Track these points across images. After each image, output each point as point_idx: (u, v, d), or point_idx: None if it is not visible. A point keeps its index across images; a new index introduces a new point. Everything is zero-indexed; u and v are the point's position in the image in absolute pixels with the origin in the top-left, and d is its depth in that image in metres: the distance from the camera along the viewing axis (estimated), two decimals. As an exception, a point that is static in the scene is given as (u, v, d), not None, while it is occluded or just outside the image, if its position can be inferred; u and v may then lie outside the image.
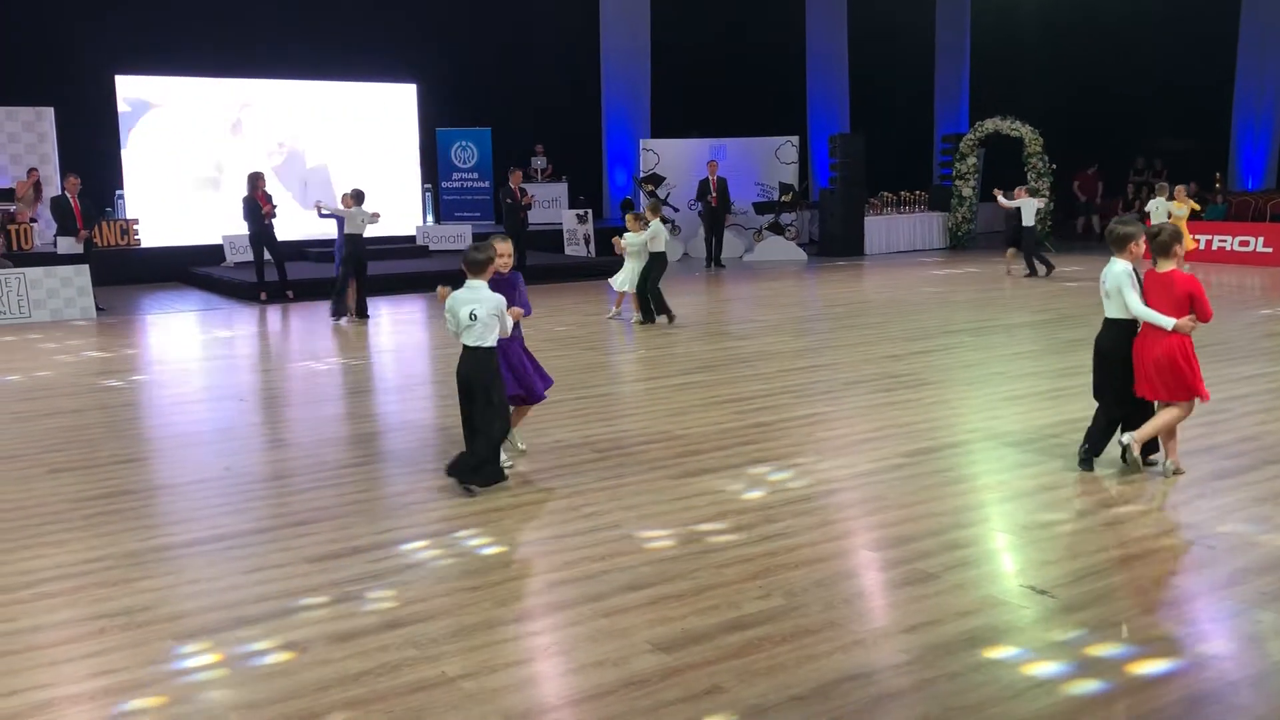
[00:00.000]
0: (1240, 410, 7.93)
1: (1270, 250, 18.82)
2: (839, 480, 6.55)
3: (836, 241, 21.69)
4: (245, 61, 20.05)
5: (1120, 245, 6.40)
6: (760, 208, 21.63)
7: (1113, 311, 6.46)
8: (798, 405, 8.59)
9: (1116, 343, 6.44)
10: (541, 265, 18.13)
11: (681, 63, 24.33)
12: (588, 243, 20.25)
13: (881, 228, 22.56)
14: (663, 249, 13.27)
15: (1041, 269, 17.35)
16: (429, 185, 22.41)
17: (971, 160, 22.95)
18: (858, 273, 18.97)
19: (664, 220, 20.98)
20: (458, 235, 20.45)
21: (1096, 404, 6.73)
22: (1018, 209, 17.34)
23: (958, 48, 28.87)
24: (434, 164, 22.33)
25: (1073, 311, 13.56)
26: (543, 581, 5.05)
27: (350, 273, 13.63)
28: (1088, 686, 3.97)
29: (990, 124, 22.40)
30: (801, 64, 26.92)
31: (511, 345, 6.71)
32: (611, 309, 13.80)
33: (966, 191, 23.01)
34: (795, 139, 22.54)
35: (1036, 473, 6.67)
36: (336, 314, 13.76)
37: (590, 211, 20.93)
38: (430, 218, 22.33)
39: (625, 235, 13.25)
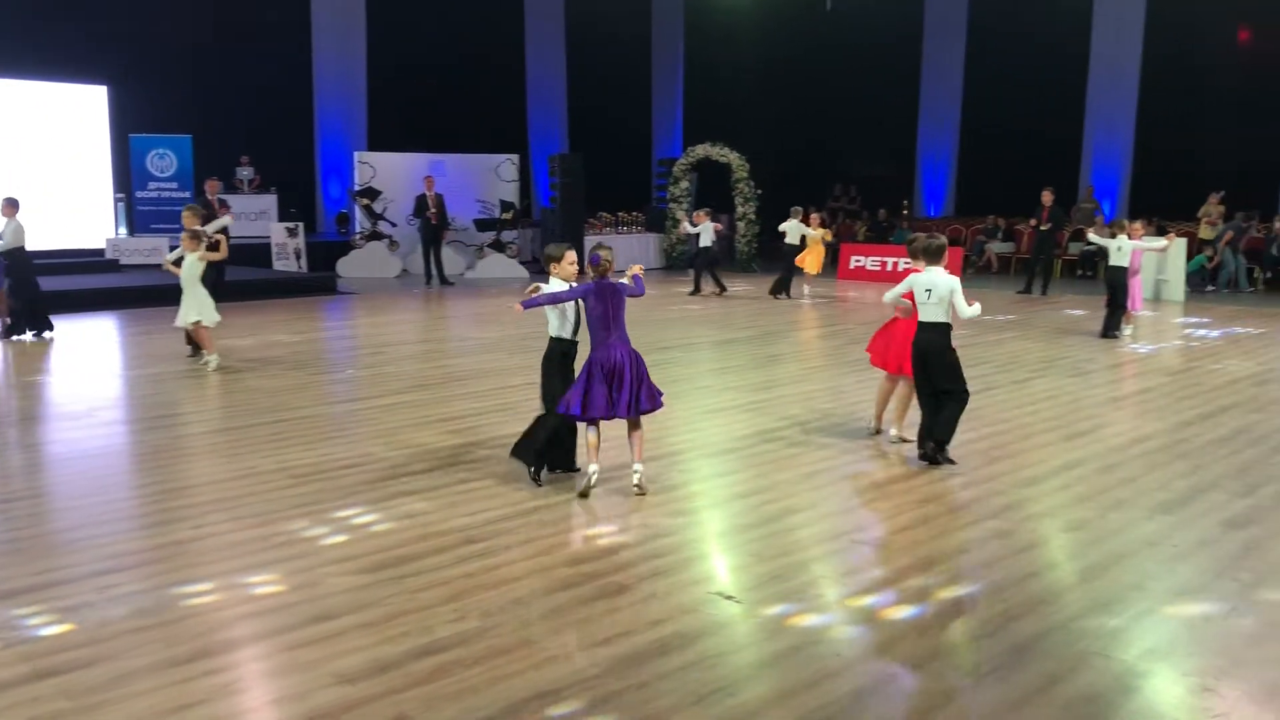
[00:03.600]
0: (912, 419, 8.58)
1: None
2: (542, 496, 6.55)
3: (557, 260, 21.88)
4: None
5: (938, 256, 7.15)
6: (481, 225, 21.55)
7: (938, 316, 7.10)
8: (510, 423, 8.53)
9: (940, 342, 7.09)
10: (248, 281, 17.22)
11: (400, 76, 23.92)
12: (299, 257, 19.47)
13: (601, 247, 22.96)
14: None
15: (715, 288, 18.17)
16: (122, 195, 20.83)
17: (684, 184, 23.82)
18: (577, 291, 19.20)
19: (385, 236, 20.54)
20: (153, 249, 19.10)
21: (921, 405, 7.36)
22: (698, 232, 18.15)
23: (672, 76, 29.99)
24: (127, 172, 20.77)
25: (775, 328, 14.31)
26: (222, 618, 4.73)
27: (15, 288, 12.54)
28: (769, 686, 4.14)
29: (701, 149, 23.33)
30: (522, 83, 27.12)
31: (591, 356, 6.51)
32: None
33: (680, 214, 23.85)
34: (515, 157, 22.63)
35: (732, 481, 6.96)
36: (37, 329, 12.77)
37: (301, 225, 20.14)
38: (123, 229, 20.75)
39: (183, 256, 11.32)
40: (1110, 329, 13.04)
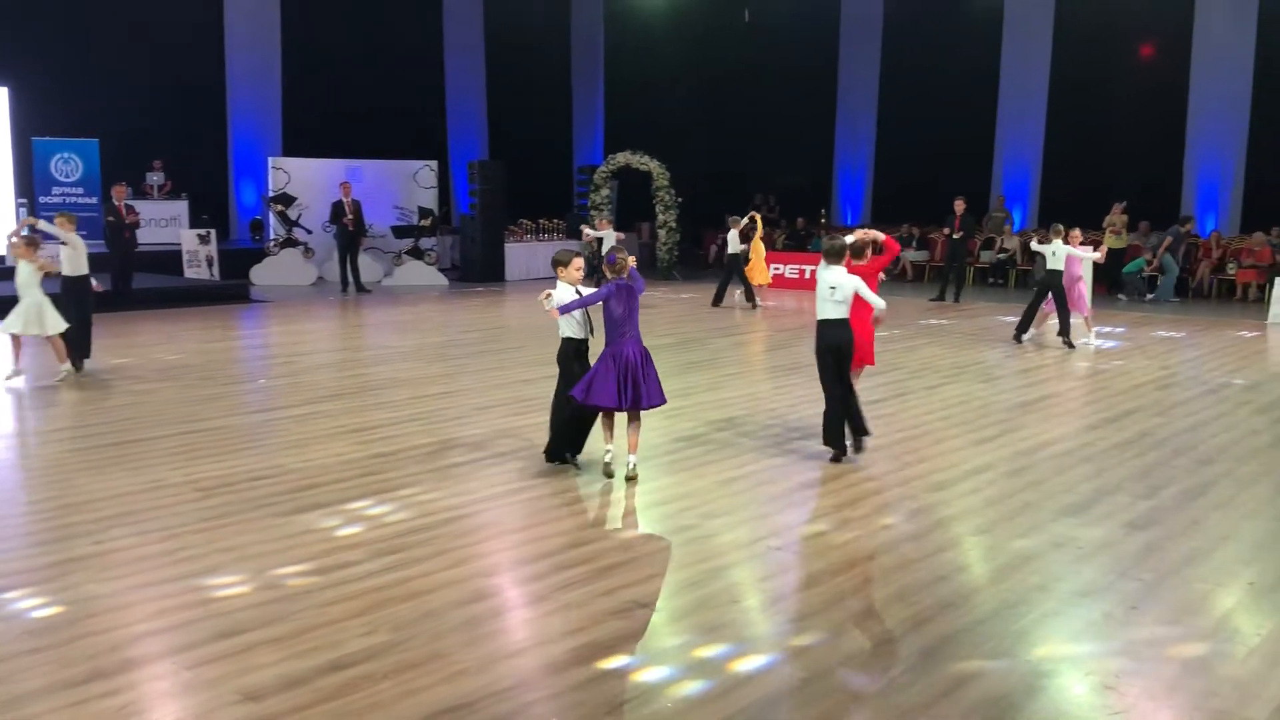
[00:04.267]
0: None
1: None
2: (458, 507, 6.48)
3: (477, 267, 21.76)
4: None
5: (840, 256, 7.41)
6: (399, 232, 21.29)
7: (840, 313, 7.35)
8: (424, 433, 8.45)
9: (845, 337, 7.36)
10: (158, 289, 16.79)
11: (316, 80, 23.49)
12: (210, 265, 19.04)
13: (522, 254, 22.87)
14: (85, 271, 11.26)
15: None
16: (24, 200, 20.13)
17: (605, 191, 23.81)
18: (497, 298, 19.10)
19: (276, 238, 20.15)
20: (54, 255, 18.48)
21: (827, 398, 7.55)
22: (601, 237, 18.16)
23: (592, 84, 29.97)
24: (30, 177, 20.08)
25: (694, 335, 14.36)
26: (121, 636, 4.58)
27: None
28: (686, 690, 4.13)
29: (621, 157, 23.34)
30: (441, 89, 26.88)
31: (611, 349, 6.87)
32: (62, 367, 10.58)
33: (585, 225, 23.81)
34: (434, 163, 22.40)
35: (650, 489, 6.95)
36: None
37: (214, 232, 19.69)
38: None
39: (19, 266, 10.75)
40: (1022, 329, 13.65)
